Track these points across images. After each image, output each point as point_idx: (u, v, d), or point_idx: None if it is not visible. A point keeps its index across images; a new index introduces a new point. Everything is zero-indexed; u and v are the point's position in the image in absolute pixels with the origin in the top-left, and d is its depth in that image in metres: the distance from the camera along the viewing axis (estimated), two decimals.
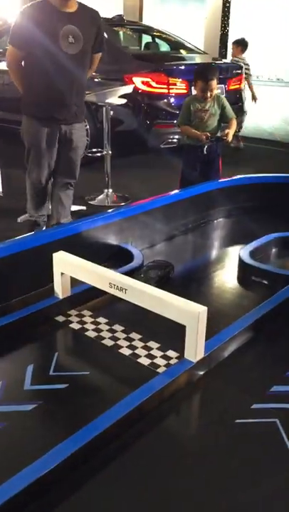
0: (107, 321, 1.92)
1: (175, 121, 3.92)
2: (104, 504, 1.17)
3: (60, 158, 3.27)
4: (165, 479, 1.24)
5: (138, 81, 5.09)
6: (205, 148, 3.48)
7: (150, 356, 1.71)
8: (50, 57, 3.00)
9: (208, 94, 3.40)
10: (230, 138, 3.42)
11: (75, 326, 1.90)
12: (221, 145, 3.60)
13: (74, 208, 4.16)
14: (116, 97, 4.29)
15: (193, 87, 3.85)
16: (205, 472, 1.27)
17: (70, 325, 1.91)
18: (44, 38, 2.95)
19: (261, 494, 1.21)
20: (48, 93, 3.10)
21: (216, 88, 3.44)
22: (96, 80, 5.37)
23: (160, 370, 1.63)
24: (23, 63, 3.13)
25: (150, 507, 1.17)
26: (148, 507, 1.17)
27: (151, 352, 1.73)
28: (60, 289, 1.97)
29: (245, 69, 6.28)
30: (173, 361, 1.67)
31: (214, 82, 3.38)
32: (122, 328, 1.87)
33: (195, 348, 1.57)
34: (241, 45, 6.56)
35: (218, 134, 3.48)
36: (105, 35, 5.96)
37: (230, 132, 3.42)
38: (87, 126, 5.33)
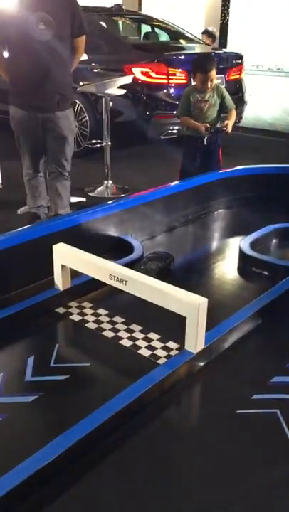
0: (107, 312, 1.92)
1: (175, 112, 3.91)
2: (104, 496, 1.18)
3: (47, 147, 3.27)
4: (165, 470, 1.25)
5: (137, 71, 5.06)
6: (205, 139, 3.46)
7: (150, 347, 1.71)
8: (24, 46, 3.04)
9: (208, 85, 3.38)
10: (229, 129, 3.40)
11: (76, 317, 1.90)
12: (220, 136, 3.58)
13: (73, 199, 4.15)
14: (115, 87, 4.27)
15: (192, 78, 3.82)
16: (205, 463, 1.28)
17: (71, 317, 1.91)
18: (16, 28, 2.99)
19: (262, 484, 1.22)
20: (24, 81, 3.15)
21: (216, 78, 3.42)
22: (95, 70, 5.34)
23: (160, 361, 1.63)
24: (6, 54, 3.15)
25: (150, 499, 1.18)
26: (148, 499, 1.18)
27: (152, 343, 1.73)
28: (60, 280, 1.96)
29: None
30: (173, 352, 1.67)
31: (213, 73, 3.35)
32: (123, 319, 1.87)
33: (195, 339, 1.57)
34: (211, 36, 6.59)
35: (218, 125, 3.46)
36: (104, 24, 5.96)
37: (230, 123, 3.40)
38: (87, 118, 5.32)
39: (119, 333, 1.79)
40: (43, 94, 3.14)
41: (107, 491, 1.19)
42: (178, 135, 5.14)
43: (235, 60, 5.90)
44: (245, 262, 2.35)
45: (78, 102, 5.35)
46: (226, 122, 3.43)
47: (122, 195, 4.36)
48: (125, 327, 1.83)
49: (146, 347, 1.71)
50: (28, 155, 3.34)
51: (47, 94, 3.14)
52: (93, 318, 1.90)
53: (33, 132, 3.22)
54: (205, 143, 3.48)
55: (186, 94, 3.52)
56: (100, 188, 4.53)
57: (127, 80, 4.41)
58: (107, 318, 1.89)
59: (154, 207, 2.69)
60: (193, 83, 3.55)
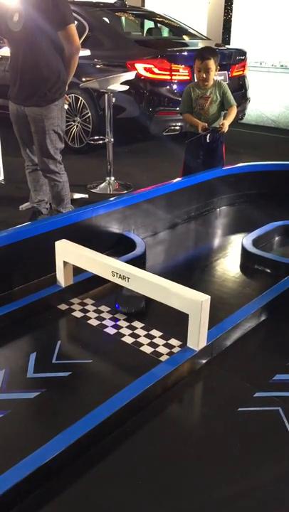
0: (109, 309, 1.93)
1: (178, 109, 3.88)
2: (106, 492, 1.18)
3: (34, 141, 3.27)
4: (167, 466, 1.25)
5: (140, 67, 5.04)
6: (207, 137, 3.45)
7: (153, 344, 1.71)
8: (8, 39, 3.11)
9: (204, 75, 3.33)
10: (225, 128, 3.37)
11: (78, 314, 1.90)
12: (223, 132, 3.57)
13: (76, 195, 4.15)
14: (118, 83, 4.25)
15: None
16: (207, 460, 1.28)
17: (73, 313, 1.91)
18: (2, 20, 3.04)
19: (264, 481, 1.22)
20: (10, 74, 3.20)
21: (214, 70, 3.38)
22: (98, 66, 5.32)
23: (163, 358, 1.63)
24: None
25: (152, 494, 1.18)
26: (150, 494, 1.18)
27: (154, 340, 1.73)
28: (63, 277, 1.97)
29: None
30: (176, 349, 1.67)
31: (211, 62, 3.31)
32: (125, 316, 1.87)
33: (198, 337, 1.57)
34: None
35: (216, 125, 3.44)
36: (107, 20, 5.94)
37: (226, 123, 3.38)
38: (89, 114, 5.31)
39: (121, 330, 1.80)
40: (22, 87, 3.12)
41: (109, 488, 1.19)
42: (181, 131, 5.13)
43: (239, 57, 5.87)
44: (247, 259, 2.35)
45: (81, 97, 5.34)
46: (221, 122, 3.41)
47: (125, 192, 4.35)
48: (127, 324, 1.83)
49: (149, 344, 1.72)
50: (22, 147, 3.37)
51: (24, 87, 3.10)
52: (95, 314, 1.90)
53: (22, 124, 3.21)
54: (207, 140, 3.46)
55: (187, 90, 3.50)
56: (103, 185, 4.52)
57: (129, 75, 4.39)
58: (110, 315, 1.89)
59: (156, 204, 2.68)
60: (196, 80, 3.53)
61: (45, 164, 3.23)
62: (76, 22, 5.69)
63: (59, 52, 3.06)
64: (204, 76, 3.34)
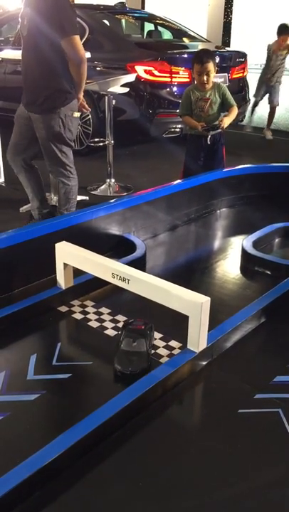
0: (109, 311, 1.93)
1: (178, 111, 3.89)
2: (107, 493, 1.18)
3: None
4: (168, 468, 1.25)
5: (141, 70, 5.05)
6: (208, 138, 3.45)
7: (153, 346, 1.71)
8: (21, 41, 3.13)
9: (205, 79, 3.35)
10: (225, 124, 3.37)
11: (78, 316, 1.90)
12: (224, 134, 3.57)
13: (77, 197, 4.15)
14: (118, 85, 4.26)
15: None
16: (208, 461, 1.28)
17: (73, 315, 1.91)
18: (19, 24, 3.11)
19: (264, 483, 1.22)
20: (22, 76, 3.23)
21: (214, 72, 3.38)
22: (98, 68, 5.33)
23: (163, 360, 1.63)
24: None
25: (152, 496, 1.18)
26: (150, 496, 1.18)
27: (154, 342, 1.73)
28: (63, 279, 1.97)
29: None
30: (176, 351, 1.67)
31: (210, 65, 3.32)
32: (125, 318, 1.87)
33: (198, 338, 1.57)
34: None
35: (215, 122, 3.44)
36: (107, 22, 5.95)
37: (226, 119, 3.38)
38: (90, 116, 5.32)
39: None
40: (26, 92, 3.15)
41: (109, 489, 1.19)
42: (181, 133, 5.14)
43: (239, 59, 5.88)
44: (247, 261, 2.35)
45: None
46: (221, 118, 3.41)
47: (125, 194, 4.36)
48: None
49: None
50: (11, 148, 3.35)
51: (27, 93, 3.13)
52: (95, 316, 1.90)
53: (22, 126, 3.22)
54: (208, 142, 3.47)
55: (186, 93, 3.50)
56: (103, 187, 4.53)
57: (130, 78, 4.40)
58: (110, 317, 1.89)
59: (156, 205, 2.68)
60: (196, 83, 3.54)
61: (54, 167, 3.26)
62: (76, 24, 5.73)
63: (62, 60, 3.03)
64: (205, 79, 3.35)
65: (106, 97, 4.34)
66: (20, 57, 3.20)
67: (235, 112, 3.47)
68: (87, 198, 4.28)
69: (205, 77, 3.35)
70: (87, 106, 3.44)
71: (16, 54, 4.46)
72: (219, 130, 3.44)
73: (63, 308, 1.95)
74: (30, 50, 3.03)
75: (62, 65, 3.05)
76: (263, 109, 7.18)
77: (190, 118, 3.49)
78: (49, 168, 3.31)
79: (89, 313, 1.92)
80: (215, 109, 3.47)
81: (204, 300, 1.53)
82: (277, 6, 8.12)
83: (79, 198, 4.18)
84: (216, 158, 3.56)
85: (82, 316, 1.90)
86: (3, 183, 4.47)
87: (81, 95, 3.23)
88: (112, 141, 4.42)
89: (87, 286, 2.03)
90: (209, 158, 3.54)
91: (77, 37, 2.98)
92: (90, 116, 5.37)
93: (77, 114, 3.25)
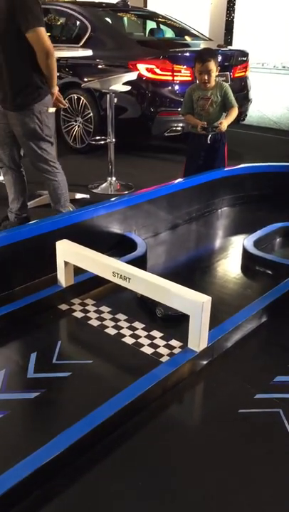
0: (110, 309, 1.92)
1: (179, 109, 3.88)
2: (106, 492, 1.18)
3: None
4: (168, 468, 1.25)
5: (142, 68, 5.03)
6: (208, 138, 3.44)
7: (153, 345, 1.71)
8: None
9: (206, 77, 3.34)
10: (223, 127, 3.36)
11: (78, 314, 1.90)
12: (225, 134, 3.56)
13: (77, 196, 4.14)
14: (120, 84, 4.25)
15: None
16: (207, 461, 1.28)
17: (74, 313, 1.91)
18: None
19: (264, 482, 1.22)
20: None
21: (215, 71, 3.37)
22: (100, 66, 5.32)
23: (163, 359, 1.63)
24: None
25: (152, 495, 1.17)
26: (150, 495, 1.18)
27: (155, 341, 1.73)
28: (64, 277, 1.96)
29: None
30: (176, 350, 1.67)
31: (211, 63, 3.31)
32: (126, 317, 1.87)
33: (198, 338, 1.57)
34: None
35: (215, 124, 3.43)
36: (109, 20, 5.94)
37: (224, 122, 3.37)
38: (91, 114, 5.31)
39: (122, 331, 1.79)
40: (0, 88, 3.06)
41: (108, 489, 1.19)
42: (182, 132, 5.13)
43: (241, 58, 5.86)
44: (248, 260, 2.35)
45: (83, 98, 5.34)
46: (219, 121, 3.41)
47: (126, 193, 4.35)
48: (128, 324, 1.83)
49: (149, 345, 1.71)
50: None
51: (0, 89, 3.04)
52: (96, 315, 1.90)
53: (2, 124, 3.14)
54: (208, 141, 3.46)
55: (188, 92, 3.50)
56: (104, 185, 4.52)
57: (131, 76, 4.39)
58: (110, 315, 1.89)
59: (157, 204, 2.68)
60: (198, 82, 3.52)
61: (36, 164, 3.18)
62: (78, 22, 5.71)
63: (30, 55, 2.94)
64: (206, 78, 3.35)
65: (107, 95, 4.33)
66: None
67: (234, 113, 3.45)
68: (88, 196, 4.27)
69: (206, 76, 3.33)
70: (63, 101, 3.35)
71: None
72: (217, 131, 3.43)
73: (64, 307, 1.95)
74: (1, 46, 2.93)
75: (30, 60, 2.96)
76: (264, 107, 7.18)
77: (191, 117, 3.48)
78: (32, 165, 3.22)
79: (89, 311, 1.92)
80: (216, 108, 3.46)
81: (205, 299, 1.53)
82: (280, 5, 8.10)
83: (80, 196, 4.18)
84: (216, 157, 3.55)
85: (83, 315, 1.90)
86: (3, 181, 4.46)
87: (55, 90, 3.14)
88: (114, 140, 4.41)
89: (88, 284, 2.03)
90: (210, 158, 3.53)
91: (41, 29, 2.88)
92: (91, 114, 5.36)
93: (52, 110, 3.16)
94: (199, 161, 3.54)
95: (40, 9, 2.94)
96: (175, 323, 1.80)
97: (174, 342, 1.72)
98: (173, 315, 1.81)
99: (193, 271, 2.39)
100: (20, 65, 2.98)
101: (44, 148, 3.15)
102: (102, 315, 1.89)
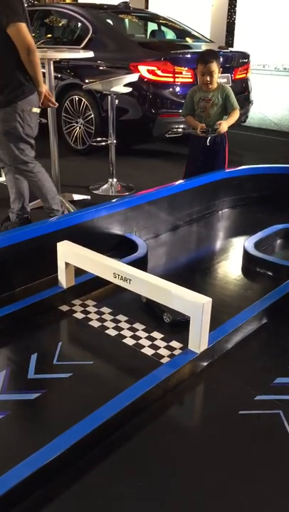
0: (111, 310, 1.92)
1: (180, 111, 3.88)
2: (106, 493, 1.18)
3: None
4: (168, 469, 1.25)
5: (144, 69, 5.04)
6: (208, 140, 3.44)
7: (154, 346, 1.71)
8: None
9: (208, 79, 3.34)
10: (222, 129, 3.36)
11: (79, 315, 1.90)
12: (226, 136, 3.56)
13: (78, 197, 4.15)
14: (121, 85, 4.25)
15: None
16: (208, 462, 1.28)
17: (74, 315, 1.91)
18: None
19: (264, 484, 1.22)
20: None
21: (218, 73, 3.37)
22: (101, 67, 5.33)
23: (164, 360, 1.63)
24: None
25: (152, 496, 1.18)
26: (150, 496, 1.18)
27: (155, 342, 1.73)
28: (64, 278, 1.97)
29: None
30: (177, 352, 1.67)
31: (213, 65, 3.31)
32: (126, 318, 1.87)
33: (199, 339, 1.57)
34: None
35: (215, 126, 3.43)
36: (110, 22, 5.95)
37: (224, 123, 3.36)
38: (92, 115, 5.32)
39: (122, 332, 1.79)
40: None
41: (109, 489, 1.19)
42: (183, 134, 5.13)
43: (242, 59, 5.87)
44: (249, 262, 2.35)
45: (84, 99, 5.35)
46: (219, 122, 3.40)
47: (127, 194, 4.35)
48: (129, 325, 1.83)
49: (150, 346, 1.71)
50: None
51: None
52: (97, 316, 1.90)
53: None
54: (208, 143, 3.46)
55: (190, 93, 3.50)
56: (105, 186, 4.52)
57: (133, 77, 4.40)
58: (111, 317, 1.89)
59: (158, 206, 2.68)
60: (199, 83, 3.53)
61: (13, 164, 3.12)
62: (80, 24, 5.72)
63: (12, 51, 2.90)
64: (208, 79, 3.35)
65: (109, 97, 4.33)
66: None
67: (235, 116, 3.44)
68: (88, 197, 4.28)
69: (208, 78, 3.34)
70: (53, 100, 3.29)
71: None
72: (216, 134, 3.43)
73: (64, 308, 1.95)
74: None
75: (13, 57, 2.92)
76: (265, 109, 7.18)
77: (192, 118, 3.49)
78: (8, 163, 3.15)
79: (90, 312, 1.92)
80: (217, 110, 3.46)
81: (206, 301, 1.53)
82: (281, 7, 8.11)
83: (80, 197, 4.19)
84: (216, 159, 3.55)
85: (84, 316, 1.90)
86: (4, 181, 4.46)
87: (43, 89, 3.09)
88: (115, 141, 4.42)
89: (89, 285, 2.03)
90: (210, 160, 3.53)
91: (22, 24, 2.85)
92: (92, 115, 5.37)
93: (36, 110, 3.11)
94: (199, 162, 3.54)
95: (22, 5, 2.91)
96: (183, 328, 1.71)
97: (174, 343, 1.72)
98: (182, 320, 1.75)
99: (194, 272, 2.39)
100: (3, 61, 2.94)
101: (22, 148, 3.09)
102: (102, 316, 1.89)
